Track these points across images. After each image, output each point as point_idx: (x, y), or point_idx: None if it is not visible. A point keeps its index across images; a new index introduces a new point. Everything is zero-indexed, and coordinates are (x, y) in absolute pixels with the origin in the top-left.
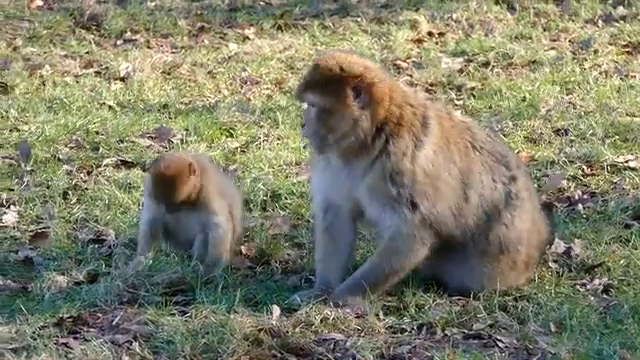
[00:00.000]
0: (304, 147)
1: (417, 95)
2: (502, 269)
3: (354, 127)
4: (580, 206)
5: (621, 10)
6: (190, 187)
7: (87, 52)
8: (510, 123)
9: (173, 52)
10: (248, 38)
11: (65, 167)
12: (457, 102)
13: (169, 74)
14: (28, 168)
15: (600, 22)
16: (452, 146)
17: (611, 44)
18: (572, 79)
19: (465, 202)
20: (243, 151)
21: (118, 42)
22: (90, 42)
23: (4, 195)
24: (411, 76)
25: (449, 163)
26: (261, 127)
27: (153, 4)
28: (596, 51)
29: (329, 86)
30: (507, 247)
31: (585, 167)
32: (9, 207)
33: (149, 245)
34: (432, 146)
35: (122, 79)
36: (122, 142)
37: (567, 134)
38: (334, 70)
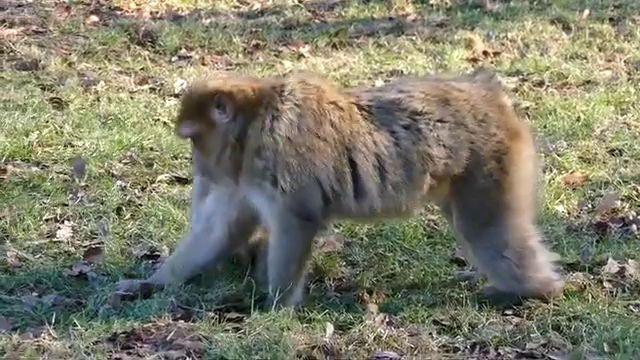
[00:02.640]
0: None
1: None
2: None
3: (228, 140)
4: (634, 226)
5: None
6: None
7: (142, 68)
8: (564, 143)
9: (228, 69)
10: (303, 56)
11: (119, 183)
12: None
13: None
14: (82, 184)
15: None
16: (325, 107)
17: None
18: (627, 99)
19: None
20: None
21: (173, 59)
22: (145, 58)
23: (58, 210)
24: None
25: (324, 126)
26: None
27: (208, 21)
28: None
29: (195, 113)
30: None
31: (639, 187)
32: (63, 222)
33: None
34: (293, 112)
35: (176, 96)
36: (176, 158)
37: (621, 154)
38: (193, 96)
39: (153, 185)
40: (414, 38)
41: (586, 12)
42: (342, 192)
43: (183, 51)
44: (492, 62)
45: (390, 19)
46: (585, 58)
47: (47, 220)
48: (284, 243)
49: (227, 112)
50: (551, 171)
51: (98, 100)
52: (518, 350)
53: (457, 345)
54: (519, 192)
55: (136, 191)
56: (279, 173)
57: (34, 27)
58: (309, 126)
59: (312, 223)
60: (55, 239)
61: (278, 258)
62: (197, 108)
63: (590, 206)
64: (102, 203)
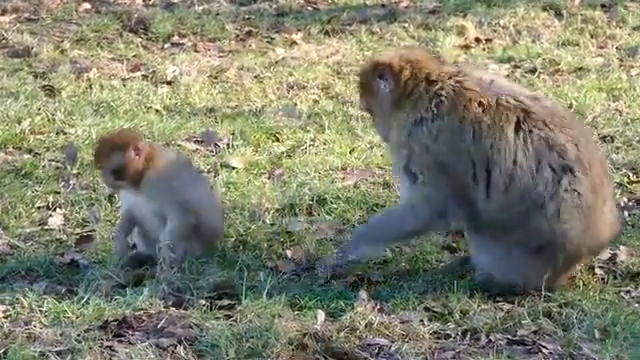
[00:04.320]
0: (350, 152)
1: None
2: (538, 264)
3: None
4: (626, 213)
5: None
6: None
7: (134, 55)
8: None
9: (220, 56)
10: (295, 43)
11: None
12: None
13: (216, 78)
14: (74, 171)
15: None
16: (470, 119)
17: None
18: (619, 86)
19: None
20: (289, 156)
21: (165, 46)
22: (137, 46)
23: (50, 198)
24: None
25: (463, 139)
26: (307, 132)
27: (201, 8)
28: None
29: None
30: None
31: (631, 174)
32: (55, 210)
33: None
34: (435, 125)
35: (169, 83)
36: (168, 146)
37: (613, 141)
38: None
39: None
40: (406, 25)
41: None
42: (473, 199)
43: (175, 38)
44: (484, 49)
45: (382, 6)
46: (577, 45)
47: (39, 208)
48: (404, 216)
49: (389, 83)
50: None
51: (90, 87)
52: (509, 337)
53: (448, 332)
54: None
55: None
56: (417, 170)
57: (26, 14)
58: (447, 140)
59: (439, 215)
60: (47, 227)
61: (387, 223)
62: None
63: None
64: (94, 190)
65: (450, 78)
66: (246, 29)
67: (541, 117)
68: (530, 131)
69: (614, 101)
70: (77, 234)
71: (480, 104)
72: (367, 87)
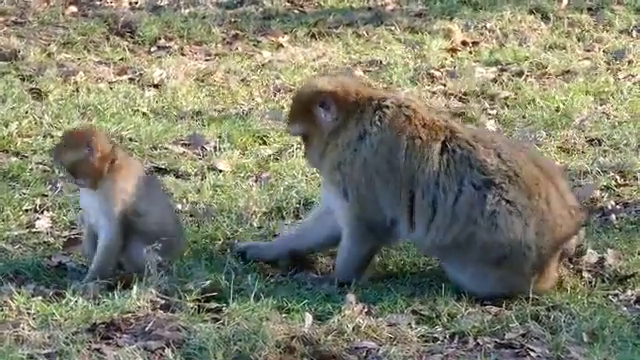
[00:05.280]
0: None
1: None
2: (506, 274)
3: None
4: (613, 216)
5: None
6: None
7: (121, 59)
8: (544, 133)
9: (207, 59)
10: (282, 46)
11: None
12: (490, 111)
13: (202, 81)
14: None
15: (634, 32)
16: (406, 136)
17: None
18: (606, 89)
19: None
20: (276, 159)
21: (152, 49)
22: (124, 49)
23: (37, 201)
24: (445, 85)
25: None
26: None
27: (187, 11)
28: (630, 61)
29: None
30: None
31: (618, 177)
32: (42, 213)
33: None
34: (376, 138)
35: (156, 86)
36: (155, 149)
37: (600, 144)
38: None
39: None
40: (393, 28)
41: (565, 2)
42: (397, 219)
43: (162, 41)
44: (471, 52)
45: (369, 9)
46: (564, 48)
47: (26, 210)
48: (349, 246)
49: (331, 112)
50: None
51: (77, 90)
52: (497, 340)
53: (436, 335)
54: None
55: None
56: (351, 190)
57: (13, 17)
58: (384, 154)
59: (376, 234)
60: (34, 229)
61: (343, 259)
62: (304, 107)
63: None
64: None
65: (392, 97)
66: (232, 32)
67: (466, 136)
68: (454, 151)
69: (601, 104)
70: (65, 237)
71: (416, 124)
72: (305, 113)
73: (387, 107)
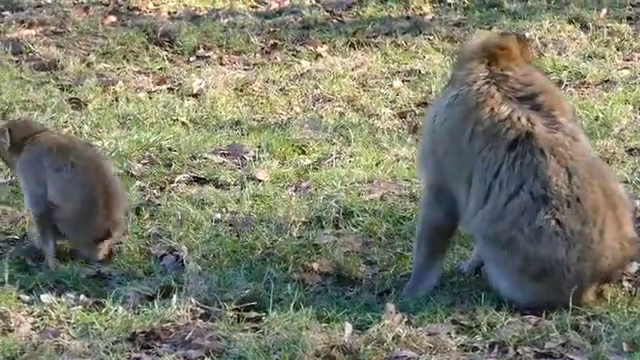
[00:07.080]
0: (376, 164)
1: None
2: (545, 289)
3: None
4: None
5: None
6: None
7: (160, 68)
8: None
9: (245, 69)
10: (320, 55)
11: (138, 183)
12: None
13: (241, 91)
14: None
15: None
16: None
17: None
18: None
19: None
20: (315, 168)
21: (191, 59)
22: (163, 58)
23: None
24: None
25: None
26: (333, 144)
27: (226, 21)
28: None
29: None
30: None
31: None
32: None
33: None
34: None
35: (195, 95)
36: (195, 158)
37: None
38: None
39: (172, 185)
40: (431, 37)
41: (604, 11)
42: (459, 191)
43: (201, 51)
44: None
45: (407, 18)
46: (603, 57)
47: None
48: (420, 215)
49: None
50: None
51: (117, 100)
52: (537, 350)
53: (476, 344)
54: None
55: (155, 191)
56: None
57: (52, 27)
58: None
59: (441, 204)
60: None
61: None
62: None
63: None
64: None
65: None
66: (271, 42)
67: (542, 144)
68: (524, 154)
69: None
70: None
71: (492, 109)
72: None
73: (462, 93)
